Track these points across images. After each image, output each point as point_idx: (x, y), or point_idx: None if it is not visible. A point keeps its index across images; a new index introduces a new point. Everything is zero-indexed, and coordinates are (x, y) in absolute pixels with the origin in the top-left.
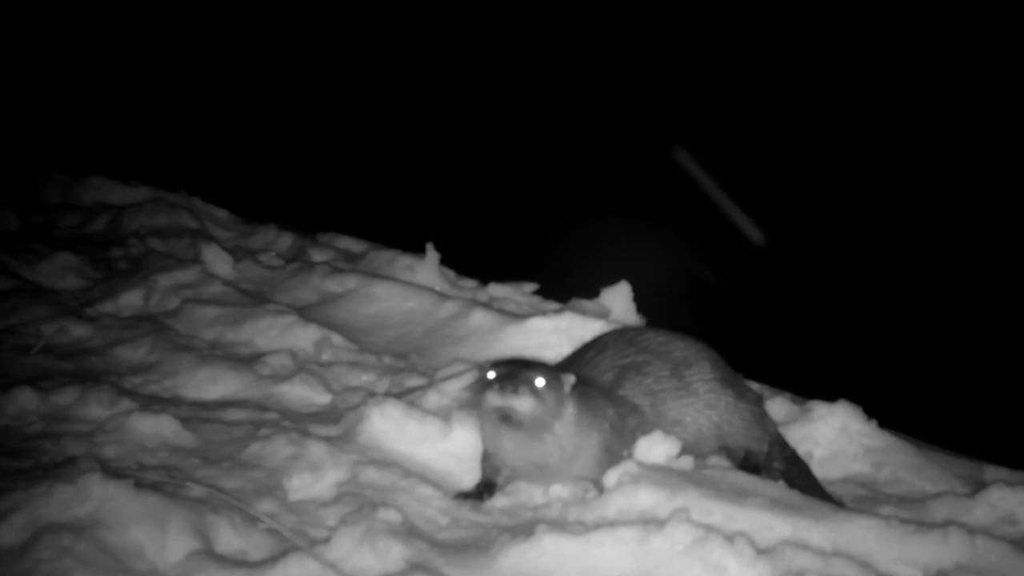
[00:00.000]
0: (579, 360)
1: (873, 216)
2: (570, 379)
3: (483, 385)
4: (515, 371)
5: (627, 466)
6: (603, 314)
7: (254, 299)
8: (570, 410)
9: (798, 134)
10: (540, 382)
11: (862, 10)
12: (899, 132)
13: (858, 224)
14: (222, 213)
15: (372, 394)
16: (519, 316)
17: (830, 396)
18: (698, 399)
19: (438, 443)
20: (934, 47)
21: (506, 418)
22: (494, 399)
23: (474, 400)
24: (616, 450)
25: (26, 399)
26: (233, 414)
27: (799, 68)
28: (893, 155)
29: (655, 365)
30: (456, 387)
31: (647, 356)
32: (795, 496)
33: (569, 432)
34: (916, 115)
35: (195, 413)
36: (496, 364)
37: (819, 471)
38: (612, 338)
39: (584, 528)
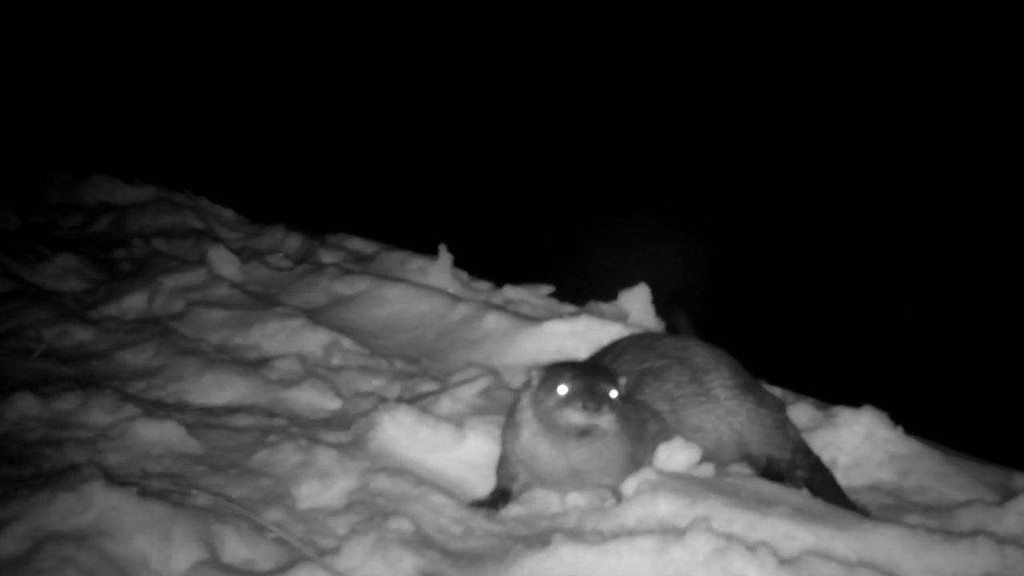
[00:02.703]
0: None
1: (899, 219)
2: (623, 382)
3: (554, 400)
4: (592, 384)
5: (646, 474)
6: (621, 317)
7: (262, 302)
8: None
9: (826, 135)
10: (614, 394)
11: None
12: (928, 132)
13: (883, 226)
14: (228, 213)
15: (383, 400)
16: (535, 319)
17: (855, 401)
18: (719, 405)
19: (451, 450)
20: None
21: (585, 434)
22: (576, 417)
23: (540, 413)
24: (639, 457)
25: (27, 404)
26: (240, 420)
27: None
28: (922, 157)
29: (674, 370)
30: (470, 392)
31: (666, 361)
32: (819, 504)
33: (609, 438)
34: (935, 119)
35: (201, 419)
36: (551, 369)
37: (843, 479)
38: (630, 343)
39: (602, 537)
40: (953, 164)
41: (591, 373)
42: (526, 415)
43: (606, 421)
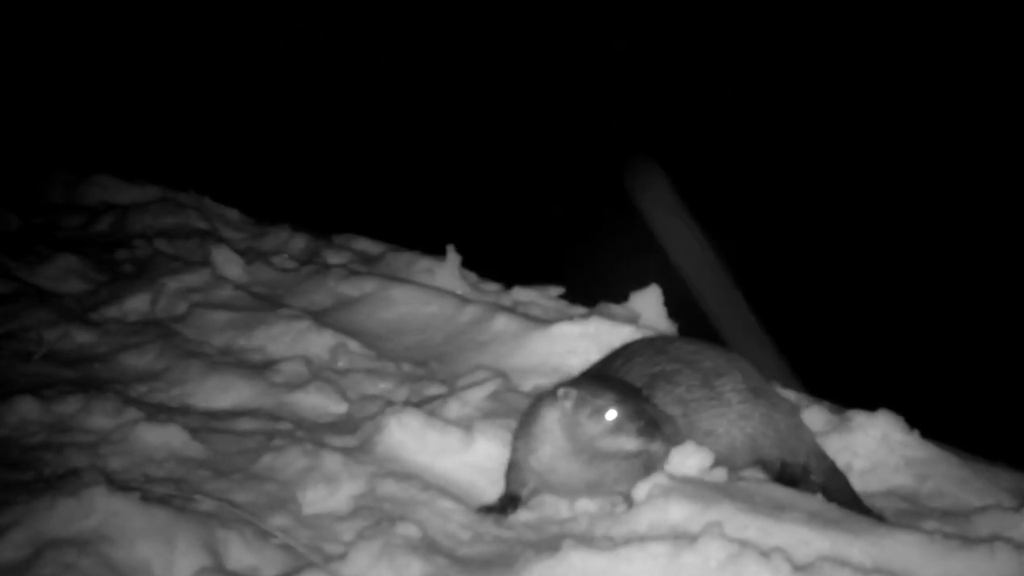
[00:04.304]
0: (607, 369)
1: (917, 221)
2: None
3: (603, 427)
4: (640, 407)
5: (658, 478)
6: (633, 319)
7: (266, 303)
8: None
9: (841, 137)
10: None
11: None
12: (946, 133)
13: (900, 228)
14: (233, 213)
15: (390, 403)
16: (544, 321)
17: (870, 405)
18: (731, 409)
19: (459, 454)
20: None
21: (633, 457)
22: (631, 444)
23: (579, 436)
24: (652, 463)
25: (27, 408)
26: (244, 424)
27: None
28: (942, 158)
29: (686, 374)
30: (479, 395)
31: (677, 365)
32: (834, 510)
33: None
34: (952, 119)
35: (204, 423)
36: (584, 389)
37: (859, 483)
38: (640, 346)
39: (612, 543)
40: (977, 163)
41: (632, 395)
42: (553, 434)
43: (658, 445)
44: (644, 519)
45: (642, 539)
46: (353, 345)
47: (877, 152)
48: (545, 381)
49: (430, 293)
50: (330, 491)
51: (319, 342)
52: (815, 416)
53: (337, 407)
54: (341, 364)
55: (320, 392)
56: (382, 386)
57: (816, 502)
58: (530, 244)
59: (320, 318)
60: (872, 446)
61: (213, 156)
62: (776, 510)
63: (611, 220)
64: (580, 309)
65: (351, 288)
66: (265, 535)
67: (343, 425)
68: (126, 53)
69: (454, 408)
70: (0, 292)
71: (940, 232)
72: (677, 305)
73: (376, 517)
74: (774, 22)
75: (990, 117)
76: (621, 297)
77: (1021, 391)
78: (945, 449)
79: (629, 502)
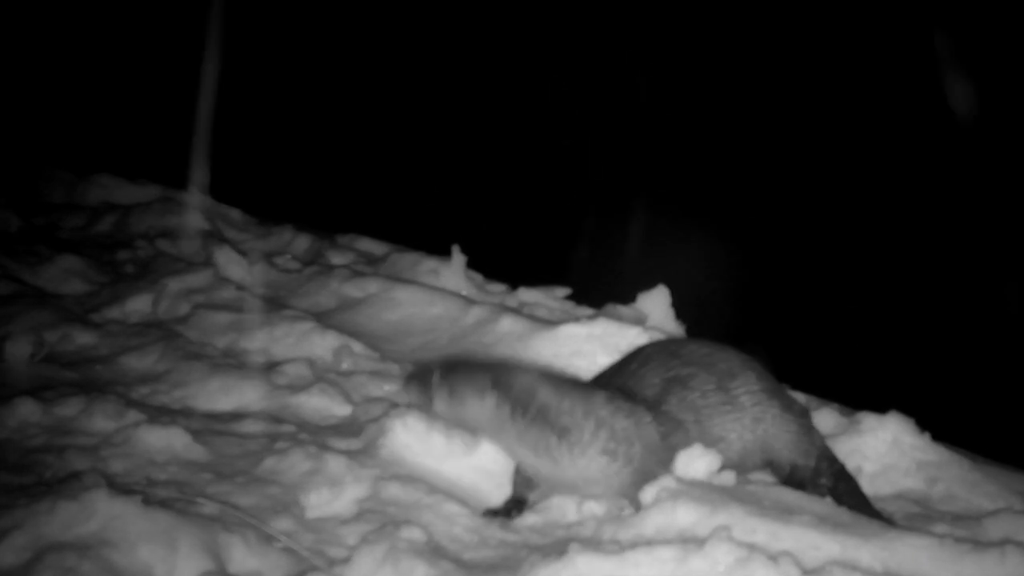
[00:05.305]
0: (622, 372)
1: (927, 223)
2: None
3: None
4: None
5: (665, 482)
6: (640, 320)
7: (269, 305)
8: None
9: (851, 138)
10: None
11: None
12: (962, 137)
13: (910, 229)
14: (235, 213)
15: (395, 405)
16: (550, 322)
17: (880, 407)
18: (745, 413)
19: (465, 457)
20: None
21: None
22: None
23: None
24: (656, 471)
25: (28, 410)
26: (247, 426)
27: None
28: (955, 161)
29: (700, 378)
30: None
31: (692, 368)
32: (843, 513)
33: (592, 462)
34: (970, 122)
35: (207, 425)
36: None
37: (869, 487)
38: (655, 349)
39: (619, 547)
40: (991, 167)
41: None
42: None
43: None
44: (651, 523)
45: (649, 543)
46: (357, 347)
47: (887, 153)
48: None
49: (435, 294)
50: (334, 494)
51: (322, 344)
52: (825, 418)
53: (341, 409)
54: (345, 366)
55: (324, 394)
56: (386, 388)
57: (825, 505)
58: (536, 244)
59: (324, 319)
60: (882, 449)
61: (216, 155)
62: (785, 514)
63: (618, 220)
64: (587, 310)
65: (355, 289)
66: (268, 539)
67: (347, 427)
68: (127, 52)
69: None
70: (0, 293)
71: (952, 233)
72: (685, 306)
73: (380, 521)
74: (788, 26)
75: (995, 123)
76: (628, 298)
77: None
78: (956, 452)
79: (636, 505)
